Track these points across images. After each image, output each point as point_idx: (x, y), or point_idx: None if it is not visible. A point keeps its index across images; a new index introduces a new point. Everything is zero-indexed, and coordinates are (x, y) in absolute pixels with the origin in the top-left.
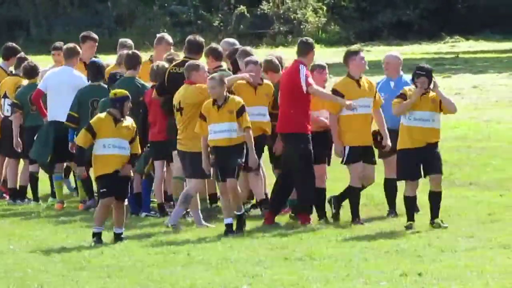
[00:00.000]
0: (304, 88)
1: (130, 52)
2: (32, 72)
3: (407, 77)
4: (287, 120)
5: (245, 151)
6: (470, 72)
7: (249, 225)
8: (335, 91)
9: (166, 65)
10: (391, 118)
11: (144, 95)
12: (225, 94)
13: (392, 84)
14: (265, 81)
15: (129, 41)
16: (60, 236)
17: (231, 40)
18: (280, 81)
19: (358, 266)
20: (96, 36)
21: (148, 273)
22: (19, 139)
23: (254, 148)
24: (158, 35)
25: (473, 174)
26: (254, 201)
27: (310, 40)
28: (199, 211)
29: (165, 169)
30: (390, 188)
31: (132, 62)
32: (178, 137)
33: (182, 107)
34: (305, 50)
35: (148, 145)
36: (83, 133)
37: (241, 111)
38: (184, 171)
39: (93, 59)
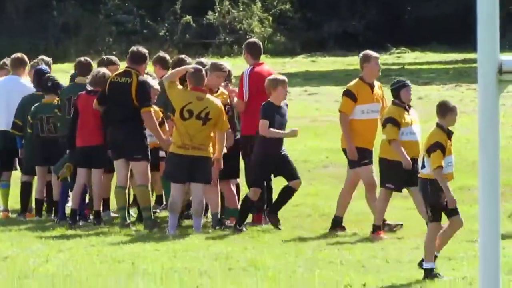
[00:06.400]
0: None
1: (82, 59)
2: None
3: None
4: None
5: None
6: (416, 84)
7: (193, 235)
8: (349, 91)
9: (107, 72)
10: None
11: (77, 98)
12: None
13: None
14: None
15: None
16: (4, 244)
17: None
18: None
19: (302, 277)
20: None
21: (93, 282)
22: None
23: None
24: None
25: None
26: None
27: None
28: (177, 218)
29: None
30: None
31: (85, 69)
32: (194, 142)
33: (210, 118)
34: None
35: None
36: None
37: None
38: (191, 176)
39: (39, 67)
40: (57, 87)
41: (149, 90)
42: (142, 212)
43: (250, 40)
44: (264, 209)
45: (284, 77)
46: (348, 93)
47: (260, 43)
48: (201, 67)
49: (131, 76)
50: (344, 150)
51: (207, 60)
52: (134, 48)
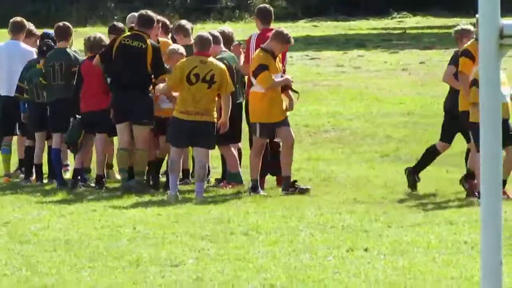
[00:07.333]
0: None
1: (60, 24)
2: None
3: None
4: None
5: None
6: (417, 48)
7: (194, 200)
8: (468, 52)
9: (103, 36)
10: None
11: (80, 65)
12: None
13: None
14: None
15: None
16: (6, 209)
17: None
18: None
19: (304, 241)
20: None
21: (94, 247)
22: None
23: None
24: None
25: (419, 150)
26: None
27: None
28: (178, 179)
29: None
30: None
31: (64, 33)
32: (198, 108)
33: (215, 81)
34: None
35: (78, 116)
36: None
37: None
38: (194, 141)
39: (46, 31)
40: None
41: (162, 57)
42: (135, 175)
43: (261, 5)
44: (265, 173)
45: (470, 27)
46: (467, 53)
47: (271, 9)
48: (207, 33)
49: (145, 41)
50: (462, 113)
51: (187, 22)
52: (143, 11)
